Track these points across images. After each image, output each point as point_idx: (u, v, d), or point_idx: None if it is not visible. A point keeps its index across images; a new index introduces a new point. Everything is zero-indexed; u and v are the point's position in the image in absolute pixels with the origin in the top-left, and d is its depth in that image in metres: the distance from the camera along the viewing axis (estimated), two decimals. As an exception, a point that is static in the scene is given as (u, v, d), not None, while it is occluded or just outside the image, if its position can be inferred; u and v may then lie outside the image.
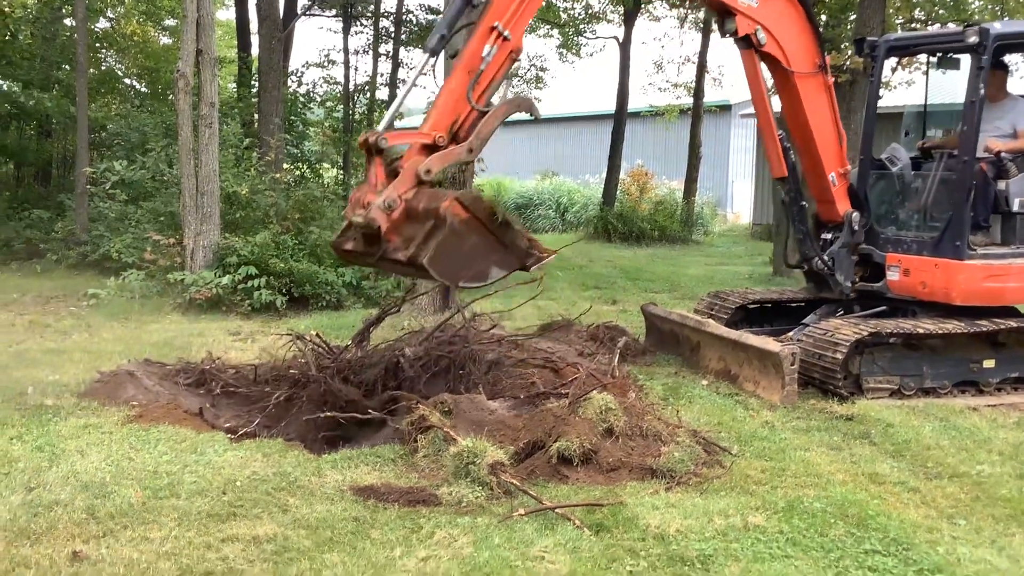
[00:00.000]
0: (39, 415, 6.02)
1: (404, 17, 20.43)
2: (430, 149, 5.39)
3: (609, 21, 23.59)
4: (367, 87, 21.04)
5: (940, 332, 6.87)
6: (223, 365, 7.26)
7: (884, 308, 7.65)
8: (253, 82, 18.38)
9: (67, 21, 19.95)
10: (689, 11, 22.12)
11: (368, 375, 6.54)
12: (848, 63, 11.18)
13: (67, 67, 18.41)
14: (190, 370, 7.01)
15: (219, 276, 10.54)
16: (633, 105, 23.18)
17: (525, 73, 23.66)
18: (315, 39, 47.25)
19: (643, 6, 22.42)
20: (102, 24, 21.51)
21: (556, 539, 4.23)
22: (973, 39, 6.94)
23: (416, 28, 20.53)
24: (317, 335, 7.52)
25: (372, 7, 20.73)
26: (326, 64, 21.64)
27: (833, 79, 7.53)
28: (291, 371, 6.86)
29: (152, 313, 10.32)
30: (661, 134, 27.31)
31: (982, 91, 6.99)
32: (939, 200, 7.36)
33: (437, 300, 9.72)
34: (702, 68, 21.97)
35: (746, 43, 7.10)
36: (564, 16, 22.90)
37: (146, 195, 13.38)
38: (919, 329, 6.86)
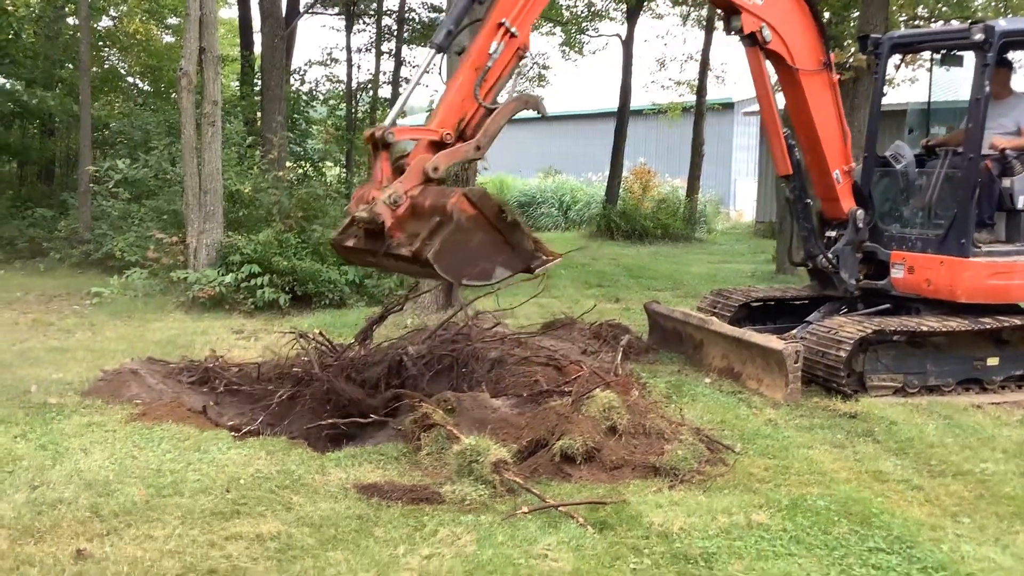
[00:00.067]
0: (43, 413, 6.02)
1: (406, 15, 20.43)
2: (437, 146, 5.33)
3: (612, 19, 23.59)
4: (370, 85, 21.04)
5: (944, 330, 6.86)
6: (226, 363, 7.27)
7: (888, 306, 7.64)
8: (256, 80, 18.38)
9: (70, 20, 20.00)
10: (692, 8, 22.11)
11: (371, 373, 6.54)
12: (851, 60, 11.15)
13: (70, 65, 18.43)
14: (193, 368, 7.02)
15: (222, 274, 10.55)
16: (636, 103, 23.17)
17: (528, 71, 23.63)
18: (318, 37, 47.44)
19: (646, 3, 22.41)
20: (105, 22, 21.53)
21: (559, 537, 4.23)
22: (978, 36, 6.92)
23: (418, 26, 20.52)
24: (320, 333, 7.53)
25: (375, 5, 20.73)
26: (329, 62, 21.65)
27: (837, 76, 7.52)
28: (294, 369, 6.86)
29: (155, 311, 10.33)
30: (664, 132, 27.29)
31: (987, 89, 6.97)
32: (944, 197, 7.35)
33: (440, 298, 9.73)
34: (705, 66, 21.96)
35: (751, 41, 7.09)
36: (567, 14, 22.88)
37: (149, 193, 13.39)
38: (923, 327, 6.85)
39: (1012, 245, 7.32)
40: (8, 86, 18.54)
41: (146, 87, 21.90)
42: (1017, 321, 7.08)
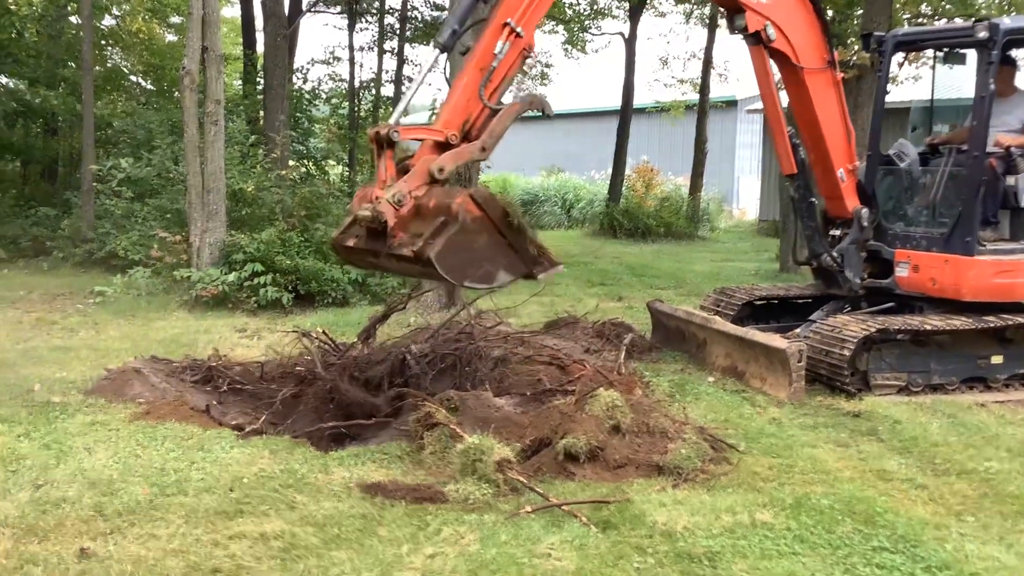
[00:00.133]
0: (46, 412, 6.03)
1: (409, 13, 20.44)
2: (442, 147, 5.30)
3: (614, 17, 23.60)
4: (372, 84, 21.03)
5: (948, 328, 6.85)
6: (229, 362, 7.27)
7: (891, 304, 7.63)
8: (258, 79, 18.40)
9: (73, 19, 19.99)
10: (695, 6, 22.09)
11: (374, 372, 6.53)
12: (855, 58, 11.14)
13: (73, 65, 18.44)
14: (197, 367, 7.02)
15: (225, 273, 10.56)
16: (639, 101, 23.17)
17: (530, 69, 23.63)
18: (320, 36, 47.37)
19: (648, 1, 22.40)
20: (108, 21, 21.53)
21: (563, 536, 4.23)
22: (983, 34, 6.91)
23: (421, 24, 20.51)
24: (323, 332, 7.53)
25: (377, 3, 20.73)
26: (331, 61, 21.64)
27: (841, 75, 7.51)
28: (297, 368, 6.86)
29: (158, 310, 10.34)
30: (667, 130, 27.28)
31: (992, 87, 6.96)
32: (948, 196, 7.33)
33: (443, 297, 9.73)
34: (708, 64, 21.95)
35: (755, 39, 7.07)
36: (569, 12, 22.86)
37: (152, 192, 13.40)
38: (927, 325, 6.84)
39: (1017, 243, 7.30)
40: (11, 85, 18.56)
41: (149, 86, 21.89)
42: (1021, 319, 7.07)
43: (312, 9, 19.78)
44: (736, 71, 22.73)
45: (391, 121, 5.32)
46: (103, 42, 20.98)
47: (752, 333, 7.26)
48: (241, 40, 20.63)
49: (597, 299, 10.87)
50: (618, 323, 8.60)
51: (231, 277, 10.45)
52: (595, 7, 23.26)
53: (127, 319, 9.86)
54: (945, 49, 7.82)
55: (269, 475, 4.96)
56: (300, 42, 20.45)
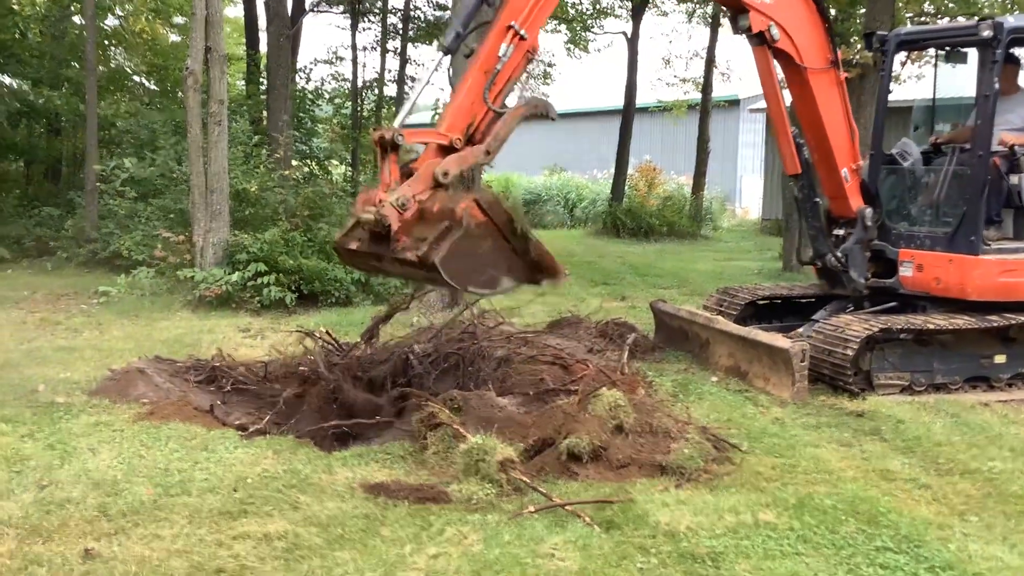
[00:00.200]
0: (50, 413, 6.04)
1: (412, 13, 20.44)
2: (446, 150, 5.29)
3: (617, 16, 23.56)
4: (375, 83, 21.05)
5: (951, 328, 6.84)
6: (233, 362, 7.27)
7: (894, 304, 7.62)
8: (262, 79, 18.40)
9: (76, 19, 20.01)
10: (697, 5, 22.07)
11: (377, 372, 6.54)
12: (857, 57, 11.12)
13: (76, 65, 18.45)
14: (200, 367, 7.03)
15: (228, 273, 10.57)
16: (641, 100, 23.15)
17: (533, 69, 23.61)
18: (323, 36, 47.30)
19: (651, 1, 22.37)
20: (111, 22, 21.54)
21: (566, 536, 4.23)
22: (987, 33, 6.90)
23: (424, 24, 20.52)
24: (327, 332, 7.54)
25: (380, 3, 20.75)
26: (334, 61, 21.66)
27: (844, 75, 7.50)
28: (301, 368, 6.87)
29: (162, 310, 10.35)
30: (669, 129, 27.25)
31: (996, 85, 6.95)
32: (952, 195, 7.32)
33: (446, 297, 9.73)
34: (710, 63, 21.93)
35: (759, 40, 7.05)
36: (572, 11, 22.86)
37: (156, 192, 13.41)
38: (930, 325, 6.83)
39: (1021, 242, 7.29)
40: (15, 85, 18.58)
41: (152, 86, 21.92)
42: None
43: (315, 9, 19.80)
44: (739, 70, 22.70)
45: (395, 124, 5.31)
46: (106, 42, 21.01)
47: (755, 333, 7.26)
48: (244, 40, 20.63)
49: (600, 299, 10.87)
50: (621, 323, 8.61)
51: (235, 277, 10.46)
52: (597, 6, 23.25)
53: (131, 319, 9.87)
54: (947, 48, 7.81)
55: (273, 475, 4.97)
56: (303, 42, 20.52)
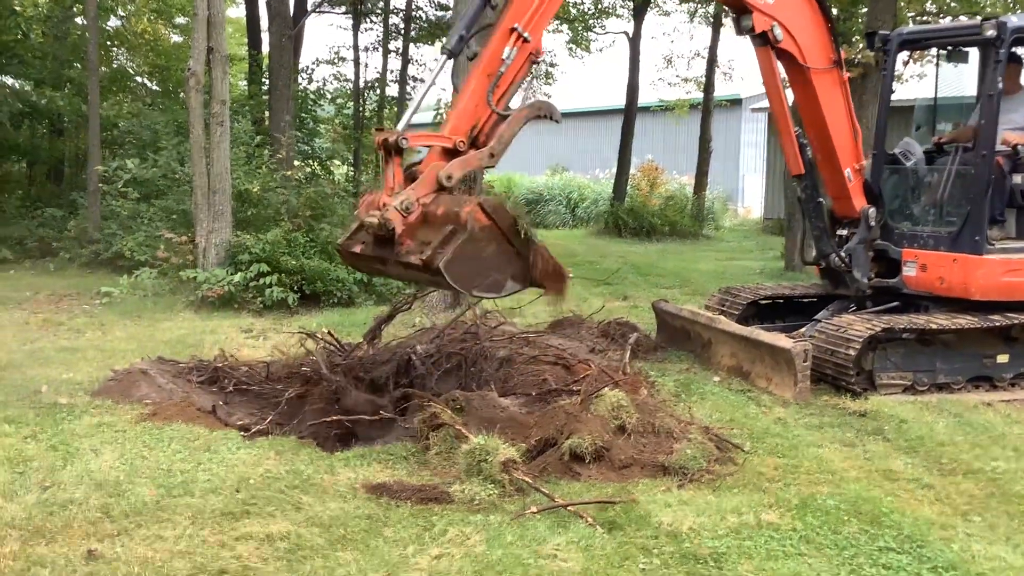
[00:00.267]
0: (53, 414, 6.04)
1: (413, 14, 20.43)
2: (450, 153, 5.29)
3: (619, 16, 23.57)
4: (377, 84, 21.05)
5: (953, 327, 6.83)
6: (235, 362, 7.28)
7: (896, 303, 7.61)
8: (264, 80, 18.42)
9: (78, 19, 20.02)
10: (699, 5, 22.05)
11: (379, 373, 6.55)
12: (859, 57, 11.11)
13: (78, 65, 18.48)
14: (203, 368, 7.03)
15: (231, 274, 10.57)
16: (643, 100, 23.15)
17: (536, 70, 23.61)
18: (325, 36, 47.27)
19: (652, 1, 22.36)
20: (113, 22, 21.56)
21: (568, 537, 4.23)
22: (991, 33, 6.89)
23: (425, 24, 20.52)
24: (329, 332, 7.54)
25: (382, 4, 20.74)
26: (336, 61, 21.69)
27: (847, 74, 7.49)
28: (303, 368, 6.87)
29: (164, 311, 10.36)
30: (671, 129, 27.26)
31: (1000, 85, 6.94)
32: (955, 194, 7.31)
33: (448, 298, 9.73)
34: (712, 62, 21.92)
35: (762, 40, 7.05)
36: (574, 11, 22.86)
37: (158, 193, 13.42)
38: (932, 324, 6.83)
39: None
40: (17, 86, 18.59)
41: (154, 87, 21.95)
42: (1026, 318, 7.05)
43: (317, 9, 19.81)
44: (741, 70, 22.71)
45: (399, 128, 5.29)
46: (108, 43, 21.03)
47: (757, 333, 7.26)
48: (246, 41, 20.66)
49: (602, 299, 10.86)
50: (623, 323, 8.60)
51: (237, 277, 10.47)
52: (599, 6, 23.25)
53: (133, 320, 9.88)
54: (949, 47, 7.80)
55: (275, 476, 4.97)
56: (305, 42, 20.45)
